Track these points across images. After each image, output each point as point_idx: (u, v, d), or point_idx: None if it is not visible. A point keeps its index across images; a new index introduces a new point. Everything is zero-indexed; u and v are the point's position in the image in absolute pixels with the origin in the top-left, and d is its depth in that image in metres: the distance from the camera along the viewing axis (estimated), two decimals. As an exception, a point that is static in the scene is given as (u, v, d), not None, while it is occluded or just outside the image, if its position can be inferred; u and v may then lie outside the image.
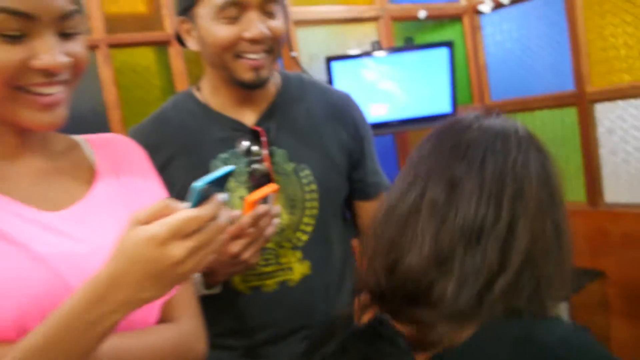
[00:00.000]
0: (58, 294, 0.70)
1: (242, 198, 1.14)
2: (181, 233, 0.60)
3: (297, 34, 2.41)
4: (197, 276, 1.09)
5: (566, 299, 2.45)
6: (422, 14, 2.63)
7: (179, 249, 0.61)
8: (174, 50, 2.13)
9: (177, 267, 0.61)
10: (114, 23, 2.05)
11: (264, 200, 1.01)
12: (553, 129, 2.64)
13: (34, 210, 0.75)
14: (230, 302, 1.18)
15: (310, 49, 2.46)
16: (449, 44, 2.27)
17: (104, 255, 0.71)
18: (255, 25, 1.05)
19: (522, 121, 2.74)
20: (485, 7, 2.68)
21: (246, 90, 1.14)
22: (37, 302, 0.70)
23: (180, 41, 1.20)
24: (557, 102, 2.58)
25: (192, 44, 1.14)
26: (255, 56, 1.08)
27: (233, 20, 1.05)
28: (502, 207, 0.70)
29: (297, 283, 1.17)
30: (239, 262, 1.02)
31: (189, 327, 0.85)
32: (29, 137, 0.79)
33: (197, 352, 0.85)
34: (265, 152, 1.14)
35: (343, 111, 1.25)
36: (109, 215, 0.81)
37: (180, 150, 1.16)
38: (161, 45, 2.16)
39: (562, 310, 2.44)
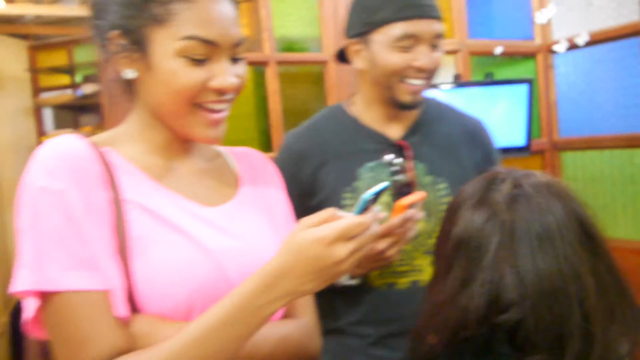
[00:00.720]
0: (219, 285, 0.80)
1: (386, 204, 1.28)
2: (346, 236, 0.70)
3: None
4: None
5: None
6: (498, 50, 2.75)
7: (342, 249, 0.70)
8: (271, 71, 2.30)
9: (337, 266, 0.71)
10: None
11: (411, 205, 1.13)
12: (621, 168, 2.69)
13: (195, 205, 0.86)
14: (367, 295, 1.30)
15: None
16: (529, 81, 2.37)
17: (255, 251, 0.86)
18: (425, 56, 1.21)
19: (590, 159, 2.78)
20: (560, 47, 2.78)
21: (400, 109, 1.29)
22: (203, 291, 0.79)
23: (340, 57, 1.37)
24: (628, 142, 2.64)
25: (359, 63, 1.30)
26: (418, 82, 1.23)
27: (406, 49, 1.21)
28: (581, 275, 0.75)
29: (427, 284, 1.29)
30: (382, 258, 1.14)
31: (310, 323, 0.94)
32: (190, 142, 0.91)
33: (315, 346, 0.94)
34: (409, 164, 1.27)
35: (477, 135, 1.39)
36: (253, 217, 0.93)
37: (331, 157, 1.31)
38: (259, 66, 2.33)
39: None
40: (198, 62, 0.79)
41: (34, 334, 0.77)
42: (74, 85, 5.21)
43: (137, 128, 0.88)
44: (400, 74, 1.23)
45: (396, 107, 1.28)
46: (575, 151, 2.89)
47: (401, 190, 1.25)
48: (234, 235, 0.87)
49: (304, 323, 0.93)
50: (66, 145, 0.78)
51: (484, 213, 0.80)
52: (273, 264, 0.73)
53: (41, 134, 5.17)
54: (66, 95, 5.04)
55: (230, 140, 2.32)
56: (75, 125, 4.98)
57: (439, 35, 1.24)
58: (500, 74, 2.89)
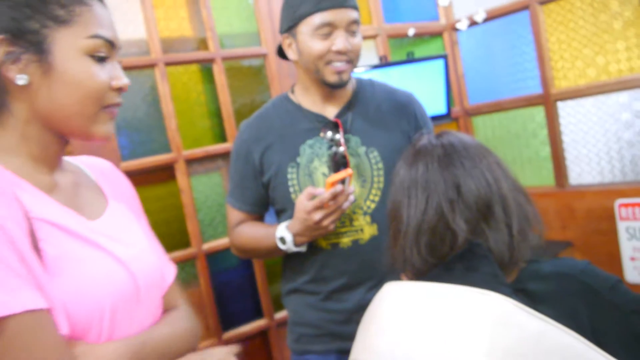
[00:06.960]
0: (132, 289, 0.84)
1: (324, 174, 1.45)
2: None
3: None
4: (289, 237, 1.39)
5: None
6: (411, 31, 3.07)
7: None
8: (217, 67, 2.45)
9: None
10: (166, 45, 2.35)
11: (342, 181, 1.28)
12: (524, 125, 3.11)
13: (84, 219, 0.83)
14: (315, 256, 1.47)
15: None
16: (444, 57, 2.70)
17: (148, 256, 0.90)
18: (341, 41, 1.37)
19: (497, 120, 3.21)
20: (462, 25, 3.15)
21: (330, 89, 1.46)
22: (122, 296, 0.81)
23: (280, 54, 1.54)
24: (527, 102, 3.04)
25: (292, 55, 1.46)
26: (340, 64, 1.39)
27: (326, 36, 1.38)
28: (494, 190, 0.93)
29: (367, 241, 1.46)
30: (320, 227, 1.33)
31: (189, 308, 1.01)
32: (59, 156, 0.86)
33: (197, 325, 1.00)
34: (342, 138, 1.44)
35: (406, 106, 1.56)
36: (130, 226, 0.94)
37: (277, 139, 1.48)
38: (206, 63, 2.47)
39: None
40: (101, 61, 0.81)
41: None
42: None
43: (12, 141, 0.80)
44: (323, 59, 1.38)
45: (326, 87, 1.45)
46: (484, 115, 3.29)
47: (338, 161, 1.42)
48: (128, 244, 0.88)
49: (187, 310, 1.00)
50: None
51: (426, 152, 1.00)
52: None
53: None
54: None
55: (188, 137, 2.47)
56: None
57: (354, 22, 1.38)
58: (417, 53, 3.22)
